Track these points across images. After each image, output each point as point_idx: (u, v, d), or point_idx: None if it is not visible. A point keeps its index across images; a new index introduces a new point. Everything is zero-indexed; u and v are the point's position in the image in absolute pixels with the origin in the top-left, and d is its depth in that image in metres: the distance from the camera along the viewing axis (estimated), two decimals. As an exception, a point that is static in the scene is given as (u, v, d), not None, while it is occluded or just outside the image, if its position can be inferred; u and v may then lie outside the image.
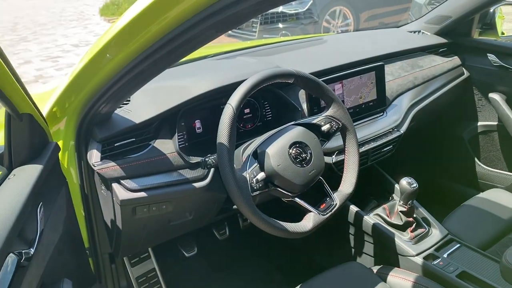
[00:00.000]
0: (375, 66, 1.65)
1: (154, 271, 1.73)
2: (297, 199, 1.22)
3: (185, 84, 1.34)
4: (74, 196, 1.28)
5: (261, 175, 1.13)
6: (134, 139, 1.26)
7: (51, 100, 1.20)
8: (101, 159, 1.20)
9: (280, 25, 6.89)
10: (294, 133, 1.22)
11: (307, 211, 1.22)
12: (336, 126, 1.30)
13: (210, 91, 1.31)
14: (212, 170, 1.30)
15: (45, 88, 1.95)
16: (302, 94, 1.55)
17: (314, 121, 1.28)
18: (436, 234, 1.51)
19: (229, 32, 7.62)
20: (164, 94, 1.33)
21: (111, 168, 1.19)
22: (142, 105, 1.29)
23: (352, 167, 1.31)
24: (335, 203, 1.26)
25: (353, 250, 1.65)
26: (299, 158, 1.19)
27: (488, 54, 2.00)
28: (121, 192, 1.20)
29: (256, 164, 1.16)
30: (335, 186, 1.32)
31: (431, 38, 2.10)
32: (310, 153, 1.21)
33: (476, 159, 2.18)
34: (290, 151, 1.19)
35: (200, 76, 1.39)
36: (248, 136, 1.39)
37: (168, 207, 1.28)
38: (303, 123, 1.28)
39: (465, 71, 2.09)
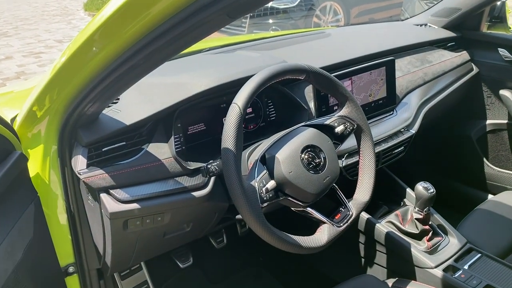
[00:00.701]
0: (385, 61, 1.53)
1: (146, 284, 1.58)
2: (309, 209, 1.09)
3: (182, 81, 1.20)
4: (56, 207, 1.14)
5: (271, 184, 1.00)
6: (124, 143, 1.11)
7: (30, 97, 1.05)
8: (87, 166, 1.05)
9: (270, 21, 6.76)
10: (306, 135, 1.09)
11: (320, 222, 1.10)
12: (351, 127, 1.17)
13: (211, 89, 1.17)
14: (213, 177, 1.16)
15: (27, 85, 1.79)
16: (308, 92, 1.42)
17: (327, 122, 1.15)
18: (454, 243, 1.39)
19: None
20: (158, 91, 1.18)
21: (99, 176, 1.05)
22: (133, 105, 1.15)
23: (368, 172, 1.18)
24: (350, 213, 1.13)
25: (363, 260, 1.53)
26: (312, 163, 1.06)
27: (499, 48, 1.90)
28: (110, 203, 1.05)
29: (265, 171, 1.02)
30: (346, 193, 1.19)
31: (439, 31, 1.99)
32: (324, 158, 1.08)
33: (485, 160, 2.07)
34: (303, 156, 1.05)
35: (198, 72, 1.24)
36: (251, 138, 1.25)
37: (164, 219, 1.14)
38: (314, 125, 1.14)
39: (474, 66, 1.98)
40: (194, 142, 1.25)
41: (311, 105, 1.38)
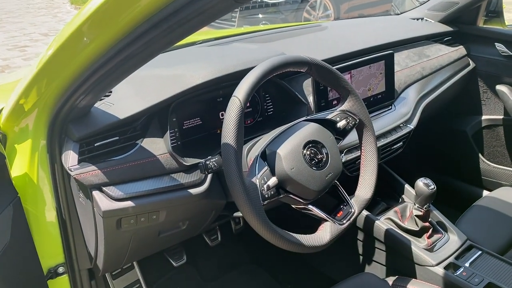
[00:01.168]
0: (384, 54, 1.50)
1: (138, 283, 1.54)
2: (310, 207, 1.05)
3: (178, 73, 1.15)
4: (45, 205, 1.08)
5: (273, 181, 0.96)
6: (117, 138, 1.06)
7: (17, 90, 0.99)
8: (79, 162, 1.00)
9: (260, 15, 6.71)
10: (308, 130, 1.05)
11: (322, 220, 1.06)
12: (353, 122, 1.13)
13: (209, 81, 1.12)
14: (210, 174, 1.12)
15: (11, 78, 1.72)
16: (307, 86, 1.38)
17: (329, 117, 1.11)
18: (454, 240, 1.37)
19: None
20: (153, 84, 1.13)
21: (91, 173, 1.00)
22: (127, 98, 1.10)
23: (370, 169, 1.15)
24: (353, 210, 1.09)
25: (361, 258, 1.50)
26: (314, 159, 1.02)
27: (496, 43, 1.88)
28: (103, 201, 1.00)
29: (266, 167, 0.98)
30: (346, 189, 1.15)
31: (436, 26, 1.96)
32: (326, 154, 1.05)
33: (480, 155, 2.06)
34: (305, 151, 1.01)
35: (194, 64, 1.19)
36: (248, 133, 1.20)
37: (159, 217, 1.10)
38: (316, 119, 1.10)
39: (470, 61, 1.97)
40: (190, 137, 1.21)
41: (310, 99, 1.35)
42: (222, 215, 1.30)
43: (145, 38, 0.70)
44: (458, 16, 1.97)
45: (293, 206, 1.07)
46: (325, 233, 1.03)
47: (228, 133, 0.90)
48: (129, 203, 1.02)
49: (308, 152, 1.02)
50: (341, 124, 1.11)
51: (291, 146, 1.00)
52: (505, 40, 1.86)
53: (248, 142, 1.14)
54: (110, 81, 0.85)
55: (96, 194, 1.00)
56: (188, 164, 1.10)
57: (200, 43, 1.63)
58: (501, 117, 1.99)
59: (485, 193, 2.03)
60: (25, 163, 1.07)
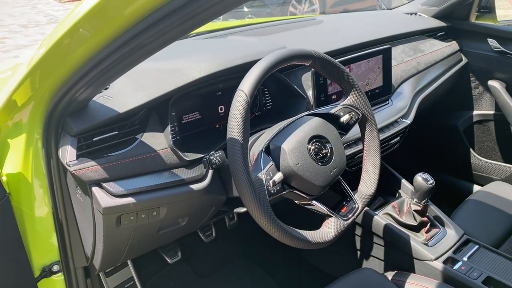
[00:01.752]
0: (382, 49, 1.49)
1: (132, 281, 1.51)
2: (314, 202, 1.04)
3: (178, 66, 1.11)
4: (40, 202, 1.04)
5: (278, 176, 0.94)
6: (116, 133, 1.03)
7: (10, 84, 0.95)
8: (77, 157, 0.97)
9: (245, 9, 6.66)
10: (312, 125, 1.03)
11: (326, 216, 1.05)
12: (356, 117, 1.12)
13: (211, 74, 1.10)
14: (211, 169, 1.09)
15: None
16: (306, 80, 1.37)
17: (332, 111, 1.10)
18: (452, 234, 1.37)
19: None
20: (152, 77, 1.10)
21: (91, 168, 0.96)
22: (126, 91, 1.06)
23: (373, 164, 1.14)
24: (356, 206, 1.09)
25: (359, 253, 1.50)
26: (319, 154, 1.01)
27: (488, 39, 1.89)
28: (103, 198, 0.97)
29: (271, 162, 0.96)
30: (348, 185, 1.14)
31: (429, 21, 1.97)
32: (331, 149, 1.03)
33: (471, 150, 2.08)
34: (309, 146, 1.00)
35: (195, 57, 1.16)
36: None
37: (160, 213, 1.07)
38: (319, 114, 1.09)
39: (463, 57, 1.98)
40: (189, 132, 1.18)
41: (309, 93, 1.33)
42: (221, 210, 1.28)
43: (154, 29, 0.67)
44: (451, 12, 1.97)
45: (296, 201, 1.06)
46: (330, 229, 1.02)
47: (235, 128, 0.88)
48: (129, 200, 0.99)
49: (313, 147, 1.00)
50: (344, 118, 1.10)
51: (296, 141, 0.99)
52: (497, 35, 1.88)
53: (250, 137, 1.12)
54: (114, 73, 0.82)
55: (95, 190, 0.97)
56: (189, 159, 1.07)
57: (194, 36, 1.60)
58: (492, 112, 2.01)
59: (476, 187, 2.06)
60: (18, 158, 1.03)
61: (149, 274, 1.64)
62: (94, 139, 0.99)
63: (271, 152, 0.99)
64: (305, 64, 1.04)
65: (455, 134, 2.09)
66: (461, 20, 1.99)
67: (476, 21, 2.00)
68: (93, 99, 1.00)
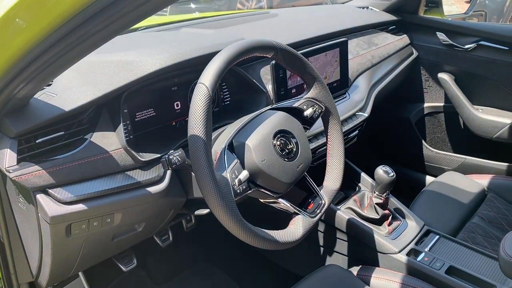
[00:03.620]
0: (339, 42, 1.47)
1: (84, 293, 1.40)
2: (281, 200, 0.99)
3: (130, 59, 1.03)
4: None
5: (244, 175, 0.89)
6: (62, 133, 0.93)
7: None
8: (18, 161, 0.86)
9: (192, 5, 6.53)
10: (276, 120, 0.99)
11: (293, 214, 1.01)
12: (320, 110, 1.09)
13: (166, 67, 1.02)
14: (169, 170, 1.02)
15: None
16: (264, 74, 1.32)
17: (295, 105, 1.06)
18: (413, 226, 1.38)
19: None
20: (101, 71, 1.01)
21: (34, 173, 0.86)
22: (72, 87, 0.96)
23: (337, 158, 1.11)
24: (323, 202, 1.05)
25: (322, 250, 1.47)
26: (285, 150, 0.96)
27: (437, 32, 1.93)
28: (50, 206, 0.87)
29: (236, 160, 0.90)
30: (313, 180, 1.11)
31: (381, 14, 1.99)
32: (296, 144, 0.99)
33: (423, 142, 2.13)
34: (275, 142, 0.95)
35: (148, 49, 1.08)
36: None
37: (114, 220, 0.98)
38: (283, 108, 1.04)
39: (413, 50, 2.01)
40: (143, 130, 1.10)
41: (269, 87, 1.28)
42: (180, 213, 1.21)
43: (99, 18, 0.59)
44: (401, 5, 2.00)
45: (261, 200, 1.01)
46: (298, 227, 0.98)
47: (196, 124, 0.81)
48: (80, 206, 0.90)
49: (278, 143, 0.96)
50: (308, 112, 1.06)
51: (260, 136, 0.94)
52: (445, 29, 1.92)
53: (210, 133, 1.06)
54: (57, 67, 0.73)
55: (40, 197, 0.87)
56: (145, 159, 0.99)
57: (144, 29, 1.51)
58: (442, 104, 2.06)
59: (429, 178, 2.11)
60: None
61: (103, 284, 1.53)
62: (37, 141, 0.89)
63: (235, 149, 0.93)
64: (267, 56, 0.99)
65: (408, 126, 2.13)
66: (411, 14, 2.02)
67: (425, 15, 2.04)
68: (35, 96, 0.90)
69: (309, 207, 1.03)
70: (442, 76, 1.96)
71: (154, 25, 1.57)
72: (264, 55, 0.98)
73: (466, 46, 1.87)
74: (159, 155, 1.02)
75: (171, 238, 1.65)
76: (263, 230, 0.90)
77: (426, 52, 2.00)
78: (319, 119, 1.11)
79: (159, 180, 1.01)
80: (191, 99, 0.84)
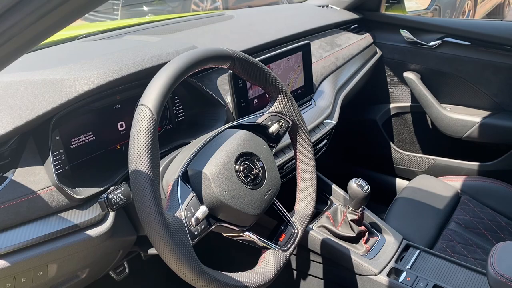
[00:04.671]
0: (301, 45, 1.34)
1: None
2: (247, 233, 0.85)
3: (58, 77, 0.86)
4: None
5: (202, 211, 0.74)
6: (-25, 172, 0.75)
7: None
8: None
9: (145, 8, 6.33)
10: (237, 140, 0.84)
11: (262, 248, 0.87)
12: (286, 125, 0.95)
13: (102, 86, 0.86)
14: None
15: None
16: (222, 84, 1.18)
17: (259, 121, 0.92)
18: (391, 241, 1.28)
19: (85, 16, 6.75)
20: (23, 93, 0.83)
21: None
22: (-14, 114, 0.78)
23: (309, 178, 0.98)
24: (296, 231, 0.92)
25: (295, 273, 1.34)
26: (249, 176, 0.82)
27: (401, 30, 1.85)
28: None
29: (191, 194, 0.75)
30: (281, 201, 0.98)
31: (341, 13, 1.88)
32: (262, 167, 0.85)
33: (391, 144, 2.05)
34: (237, 167, 0.81)
35: (80, 64, 0.91)
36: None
37: (49, 272, 0.81)
38: (244, 125, 0.90)
39: (377, 49, 1.92)
40: (81, 158, 0.93)
41: (228, 99, 1.14)
42: (132, 251, 1.04)
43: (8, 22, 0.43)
44: (362, 3, 1.91)
45: (224, 235, 0.87)
46: (269, 264, 0.84)
47: (138, 157, 0.66)
48: (1, 263, 0.73)
49: (241, 168, 0.81)
50: (273, 128, 0.93)
51: (220, 162, 0.79)
52: (409, 26, 1.85)
53: (160, 160, 0.90)
54: None
55: None
56: (82, 196, 0.83)
57: (83, 37, 1.33)
58: (409, 104, 1.98)
59: (399, 181, 2.03)
60: None
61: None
62: None
63: (190, 179, 0.78)
64: (223, 66, 0.84)
65: (375, 128, 2.04)
66: (372, 11, 1.93)
67: (387, 12, 1.96)
68: None
69: (281, 239, 0.89)
70: (408, 75, 1.88)
71: (95, 32, 1.40)
72: (220, 66, 0.84)
73: (431, 43, 1.80)
74: (100, 189, 0.85)
75: (127, 270, 1.47)
76: (229, 275, 0.75)
77: (390, 51, 1.92)
78: (286, 135, 0.98)
79: (102, 220, 0.84)
80: None
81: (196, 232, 0.73)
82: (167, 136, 1.07)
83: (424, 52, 1.83)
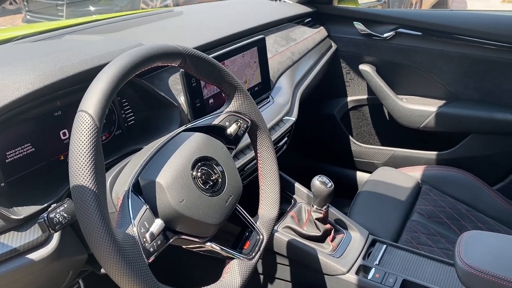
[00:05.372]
0: (256, 40, 1.29)
1: None
2: (209, 244, 0.79)
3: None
4: None
5: (158, 225, 0.67)
6: None
7: None
8: None
9: (91, 7, 6.10)
10: (193, 145, 0.78)
11: (227, 259, 0.81)
12: (245, 125, 0.90)
13: (38, 90, 0.76)
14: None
15: None
16: (174, 84, 1.10)
17: (216, 122, 0.86)
18: (357, 237, 1.25)
19: (27, 17, 6.37)
20: None
21: None
22: None
23: (272, 179, 0.93)
24: (261, 237, 0.87)
25: (262, 278, 1.29)
26: (208, 182, 0.76)
27: (354, 22, 1.84)
28: None
29: (144, 207, 0.68)
30: (243, 205, 0.92)
31: (295, 6, 1.85)
32: (222, 172, 0.79)
33: (350, 137, 2.04)
34: (195, 174, 0.75)
35: (14, 67, 0.80)
36: (105, 155, 0.88)
37: (-16, 305, 0.72)
38: (200, 127, 0.84)
39: (332, 43, 1.90)
40: (19, 173, 0.83)
41: (181, 99, 1.07)
42: (83, 270, 0.95)
43: None
44: (315, -4, 1.89)
45: (184, 247, 0.80)
46: (234, 276, 0.78)
47: (80, 169, 0.58)
48: None
49: (199, 174, 0.75)
50: (232, 129, 0.87)
51: (175, 169, 0.72)
52: (362, 18, 1.84)
53: (109, 170, 0.82)
54: None
55: None
56: (21, 217, 0.74)
57: (19, 39, 1.22)
58: (365, 96, 1.98)
59: (361, 174, 2.02)
60: None
61: None
62: None
63: (143, 190, 0.71)
64: (173, 64, 0.77)
65: (334, 123, 2.03)
66: (325, 4, 1.91)
67: (340, 5, 1.94)
68: None
69: (245, 247, 0.84)
70: (363, 67, 1.87)
71: (33, 33, 1.28)
72: (169, 64, 0.77)
73: (385, 35, 1.79)
74: (42, 206, 0.77)
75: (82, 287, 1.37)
76: None
77: (344, 44, 1.90)
78: (245, 135, 0.93)
79: (45, 241, 0.76)
80: None
81: (151, 249, 0.66)
82: (116, 143, 0.99)
83: (378, 44, 1.83)
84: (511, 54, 1.61)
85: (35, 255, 0.74)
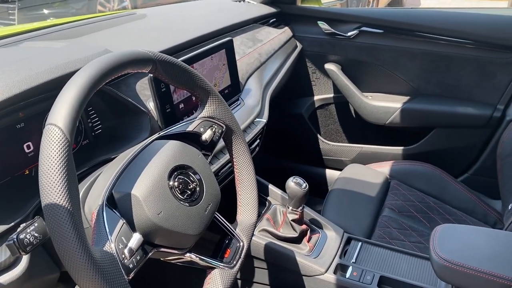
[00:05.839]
0: (224, 42, 1.27)
1: None
2: (188, 255, 0.77)
3: None
4: None
5: (136, 240, 0.64)
6: None
7: None
8: None
9: (45, 11, 5.87)
10: (169, 153, 0.75)
11: (207, 269, 0.79)
12: (220, 131, 0.88)
13: (1, 102, 0.72)
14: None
15: None
16: (142, 89, 1.07)
17: (190, 129, 0.83)
18: (333, 236, 1.26)
19: (-25, 22, 6.07)
20: None
21: None
22: None
23: (249, 184, 0.92)
24: (241, 244, 0.85)
25: (240, 283, 1.28)
26: (186, 192, 0.74)
27: (319, 22, 1.85)
28: None
29: (121, 221, 0.65)
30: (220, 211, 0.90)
31: (259, 7, 1.84)
32: (199, 180, 0.77)
33: (319, 136, 2.05)
34: (172, 183, 0.72)
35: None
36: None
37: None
38: (174, 134, 0.81)
39: (297, 43, 1.91)
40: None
41: (150, 106, 1.04)
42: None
43: None
44: (278, -4, 1.88)
45: (162, 259, 0.78)
46: (216, 286, 0.77)
47: (52, 186, 0.55)
48: None
49: (176, 184, 0.72)
50: (207, 135, 0.84)
51: (151, 180, 0.69)
52: (326, 17, 1.85)
53: (80, 183, 0.79)
54: None
55: None
56: None
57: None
58: (332, 95, 2.00)
59: (330, 172, 2.04)
60: None
61: None
62: None
63: (118, 203, 0.68)
64: (143, 71, 0.75)
65: (302, 122, 2.03)
66: (289, 4, 1.91)
67: (303, 5, 1.95)
68: None
69: (226, 255, 0.82)
70: (329, 66, 1.89)
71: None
72: (140, 71, 0.74)
73: (349, 34, 1.82)
74: (8, 226, 0.72)
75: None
76: None
77: (309, 44, 1.91)
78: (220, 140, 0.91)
79: (14, 263, 0.71)
80: None
81: (131, 265, 0.63)
82: (84, 153, 0.95)
83: (342, 43, 1.84)
84: (470, 50, 1.66)
85: (3, 279, 0.69)
